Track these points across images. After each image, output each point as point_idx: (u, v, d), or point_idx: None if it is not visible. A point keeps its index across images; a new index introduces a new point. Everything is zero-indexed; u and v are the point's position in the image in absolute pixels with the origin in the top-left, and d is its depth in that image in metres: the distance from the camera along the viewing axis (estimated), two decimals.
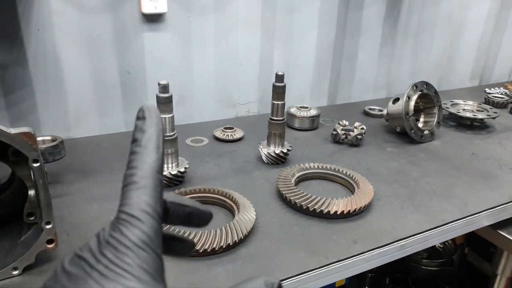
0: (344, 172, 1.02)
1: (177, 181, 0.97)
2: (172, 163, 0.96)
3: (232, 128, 1.28)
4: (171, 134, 0.94)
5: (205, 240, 0.73)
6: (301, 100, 1.58)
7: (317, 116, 1.38)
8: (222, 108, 1.44)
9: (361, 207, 0.88)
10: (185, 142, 1.23)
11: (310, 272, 0.72)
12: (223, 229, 0.76)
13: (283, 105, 1.07)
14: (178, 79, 1.32)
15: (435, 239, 0.88)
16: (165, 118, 0.91)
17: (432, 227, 0.87)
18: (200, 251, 0.72)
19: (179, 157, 0.99)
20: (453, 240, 1.69)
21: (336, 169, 1.03)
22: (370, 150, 1.24)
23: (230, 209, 0.87)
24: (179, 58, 1.30)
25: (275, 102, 1.06)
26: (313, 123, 1.38)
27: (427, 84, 1.32)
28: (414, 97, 1.28)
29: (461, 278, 1.68)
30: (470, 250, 1.74)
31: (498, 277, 1.13)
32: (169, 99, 0.90)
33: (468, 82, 2.02)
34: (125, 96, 1.27)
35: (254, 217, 0.82)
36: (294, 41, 1.48)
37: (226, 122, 1.38)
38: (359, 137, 1.24)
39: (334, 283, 1.35)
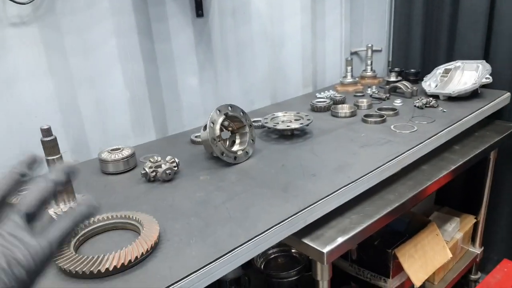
0: (133, 218, 0.96)
1: None
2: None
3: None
4: None
5: None
6: (125, 140, 1.51)
7: (131, 155, 1.32)
8: None
9: (137, 256, 0.83)
10: None
11: None
12: None
13: (60, 158, 0.98)
14: None
15: (220, 270, 0.86)
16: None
17: (213, 259, 0.84)
18: None
19: None
20: None
21: (126, 216, 0.97)
22: (182, 183, 1.20)
23: None
24: None
25: (49, 158, 0.97)
26: (128, 164, 1.31)
27: (231, 106, 1.33)
28: (219, 121, 1.28)
29: None
30: None
31: (320, 282, 1.16)
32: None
33: (302, 90, 2.13)
34: None
35: None
36: (99, 82, 1.41)
37: None
38: (168, 172, 1.20)
39: None
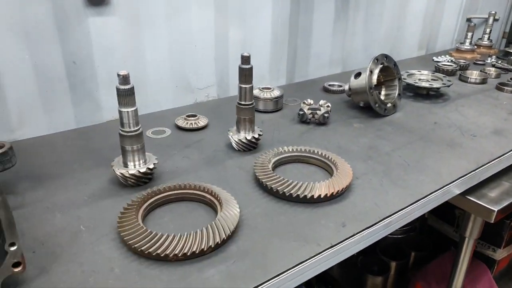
0: (319, 153, 0.99)
1: (146, 179, 0.89)
2: (139, 160, 0.88)
3: (195, 116, 1.21)
4: (136, 128, 0.85)
5: (192, 241, 0.68)
6: (261, 81, 1.53)
7: (281, 96, 1.34)
8: (180, 95, 1.36)
9: (343, 188, 0.86)
10: (145, 135, 1.14)
11: (305, 262, 0.69)
12: (209, 227, 0.71)
13: (251, 88, 1.01)
14: (130, 65, 1.21)
15: (417, 212, 0.89)
16: (127, 112, 0.83)
17: (413, 201, 0.87)
18: (188, 253, 0.66)
19: (146, 152, 0.91)
20: None
21: (311, 151, 1.00)
22: (337, 128, 1.22)
23: (211, 205, 0.81)
24: (130, 43, 1.19)
25: (242, 85, 1.00)
26: (277, 104, 1.34)
27: (387, 57, 1.32)
28: (376, 71, 1.28)
29: (424, 241, 1.76)
30: (430, 214, 1.82)
31: (466, 239, 1.19)
32: (131, 91, 0.81)
33: (416, 51, 2.08)
34: (73, 88, 1.15)
35: (238, 211, 0.77)
36: (249, 19, 1.41)
37: (186, 110, 1.30)
38: (326, 115, 1.22)
39: None
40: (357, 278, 1.69)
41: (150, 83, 1.28)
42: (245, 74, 0.99)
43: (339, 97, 1.47)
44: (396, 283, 1.69)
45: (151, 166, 0.88)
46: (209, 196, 0.82)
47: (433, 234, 1.80)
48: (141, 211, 0.76)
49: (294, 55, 1.62)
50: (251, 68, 0.99)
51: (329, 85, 1.54)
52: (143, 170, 0.86)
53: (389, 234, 1.65)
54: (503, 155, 1.08)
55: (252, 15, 1.42)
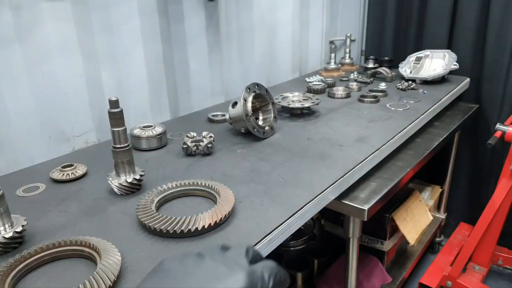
0: (202, 184, 1.02)
1: (15, 243, 0.82)
2: (4, 225, 0.81)
3: (71, 165, 1.15)
4: None
5: None
6: (143, 119, 1.52)
7: (164, 132, 1.35)
8: (54, 145, 1.29)
9: (225, 214, 0.90)
10: (15, 194, 1.05)
11: None
12: (86, 282, 0.68)
13: (124, 130, 1.01)
14: None
15: (296, 224, 0.96)
16: None
17: (291, 214, 0.94)
18: None
19: (12, 215, 0.84)
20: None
21: (195, 183, 1.03)
22: (222, 156, 1.27)
23: (91, 258, 0.78)
24: None
25: (114, 129, 1.00)
26: (161, 141, 1.34)
27: (258, 85, 1.42)
28: (250, 98, 1.36)
29: (324, 247, 1.88)
30: (326, 220, 1.96)
31: (351, 239, 1.30)
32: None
33: (291, 75, 2.26)
34: None
35: (119, 259, 0.75)
36: (120, 60, 1.41)
37: (63, 160, 1.23)
38: (209, 145, 1.26)
39: None
40: None
41: (17, 138, 1.20)
42: (115, 118, 0.99)
43: (223, 126, 1.53)
44: None
45: (19, 229, 0.81)
46: (87, 250, 0.78)
47: (331, 239, 1.94)
48: (8, 281, 0.70)
49: (175, 90, 1.65)
50: (121, 111, 0.99)
51: (213, 115, 1.59)
52: (9, 235, 0.79)
53: (291, 247, 1.76)
54: (364, 159, 1.23)
55: (123, 56, 1.42)
